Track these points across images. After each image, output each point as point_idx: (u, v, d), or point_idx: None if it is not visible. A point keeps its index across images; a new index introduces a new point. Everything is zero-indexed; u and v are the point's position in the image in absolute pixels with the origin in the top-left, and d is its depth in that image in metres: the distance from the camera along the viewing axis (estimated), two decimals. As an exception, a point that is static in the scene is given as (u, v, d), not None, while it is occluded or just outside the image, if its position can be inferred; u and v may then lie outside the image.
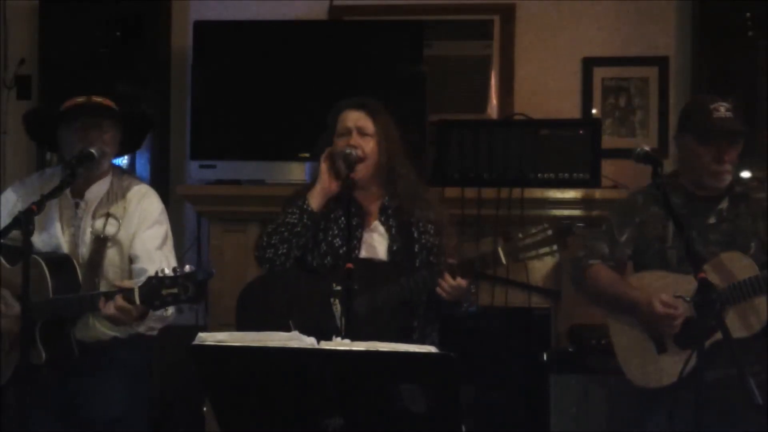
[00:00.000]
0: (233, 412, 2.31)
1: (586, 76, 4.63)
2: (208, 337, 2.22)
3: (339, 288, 2.95)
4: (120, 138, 3.16)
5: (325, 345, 2.17)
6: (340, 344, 2.17)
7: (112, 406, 3.10)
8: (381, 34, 4.51)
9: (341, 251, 3.05)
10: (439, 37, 4.62)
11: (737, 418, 2.91)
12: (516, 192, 4.16)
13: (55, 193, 2.92)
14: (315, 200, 3.08)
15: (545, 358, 3.96)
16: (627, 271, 3.30)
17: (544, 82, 4.65)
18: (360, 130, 3.07)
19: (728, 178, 3.14)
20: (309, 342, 2.18)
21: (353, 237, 3.00)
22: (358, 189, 3.07)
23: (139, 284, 2.78)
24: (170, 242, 3.19)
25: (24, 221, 2.74)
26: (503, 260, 2.91)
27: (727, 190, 3.17)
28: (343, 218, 3.08)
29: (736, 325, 2.97)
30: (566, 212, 4.20)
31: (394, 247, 3.08)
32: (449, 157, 4.24)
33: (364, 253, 3.07)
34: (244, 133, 4.47)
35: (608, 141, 4.41)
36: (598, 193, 4.18)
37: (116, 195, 3.15)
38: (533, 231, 2.89)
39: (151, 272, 2.78)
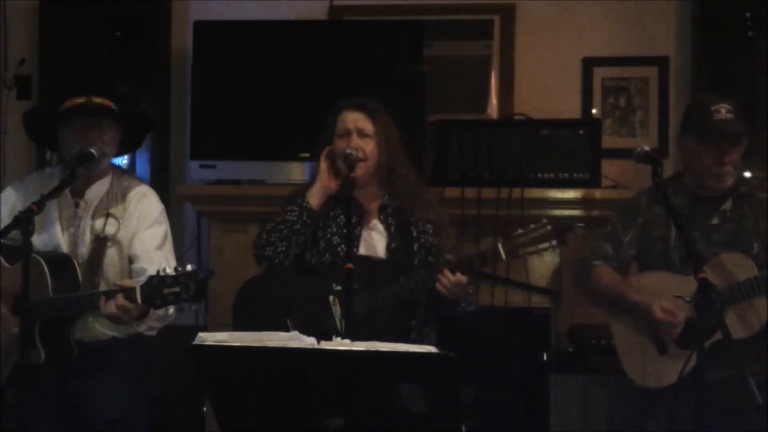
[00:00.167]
0: (233, 412, 2.31)
1: (586, 76, 4.63)
2: (208, 337, 2.22)
3: (339, 288, 2.95)
4: (120, 138, 3.17)
5: (325, 345, 2.17)
6: (340, 344, 2.17)
7: (111, 406, 3.10)
8: (381, 34, 4.50)
9: (340, 249, 3.05)
10: (439, 37, 4.62)
11: (737, 418, 2.90)
12: (516, 192, 4.16)
13: (54, 193, 2.92)
14: (314, 198, 3.08)
15: (545, 358, 3.96)
16: (631, 271, 3.30)
17: (544, 82, 4.64)
18: (359, 131, 3.07)
19: (730, 179, 3.14)
20: (309, 342, 2.18)
21: (352, 236, 3.00)
22: (357, 188, 3.07)
23: (141, 283, 2.78)
24: (170, 242, 3.19)
25: (24, 221, 2.74)
26: (503, 256, 2.91)
27: (730, 191, 3.16)
28: (342, 217, 3.09)
29: (736, 326, 2.97)
30: (566, 212, 4.20)
31: (393, 245, 3.08)
32: (449, 157, 4.24)
33: (362, 251, 3.08)
34: (244, 133, 4.47)
35: (608, 141, 4.41)
36: (598, 193, 4.18)
37: (116, 195, 3.15)
38: (532, 227, 2.89)
39: (151, 272, 2.78)
